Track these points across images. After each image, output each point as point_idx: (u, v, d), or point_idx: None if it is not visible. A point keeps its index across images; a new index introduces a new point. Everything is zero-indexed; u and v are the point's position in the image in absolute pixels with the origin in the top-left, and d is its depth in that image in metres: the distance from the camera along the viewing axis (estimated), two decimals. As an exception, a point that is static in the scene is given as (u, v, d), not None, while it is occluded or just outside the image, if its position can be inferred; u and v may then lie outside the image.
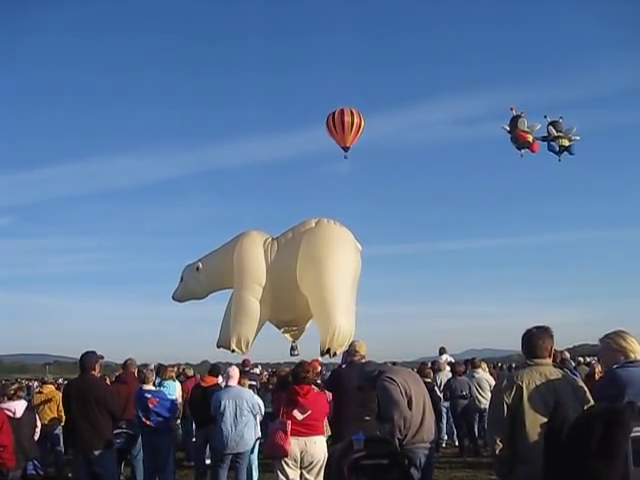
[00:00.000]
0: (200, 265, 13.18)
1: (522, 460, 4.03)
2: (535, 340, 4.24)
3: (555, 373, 4.17)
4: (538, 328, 4.32)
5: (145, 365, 10.75)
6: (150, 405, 8.19)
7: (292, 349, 13.51)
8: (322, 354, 11.72)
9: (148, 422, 8.27)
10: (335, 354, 11.53)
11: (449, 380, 12.61)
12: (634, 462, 3.13)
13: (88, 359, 7.38)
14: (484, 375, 12.74)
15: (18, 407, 7.23)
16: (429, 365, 14.88)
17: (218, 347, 12.96)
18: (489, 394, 12.50)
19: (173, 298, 13.63)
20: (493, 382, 12.93)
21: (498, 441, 4.11)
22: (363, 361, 6.62)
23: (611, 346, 4.20)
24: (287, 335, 13.58)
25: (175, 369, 12.66)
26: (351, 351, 7.08)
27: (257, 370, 17.20)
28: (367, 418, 6.17)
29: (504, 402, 4.11)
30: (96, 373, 7.47)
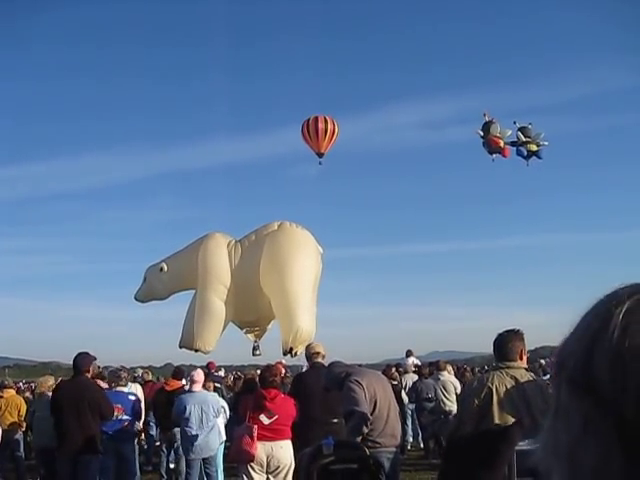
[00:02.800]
0: (164, 266, 13.14)
1: None
2: (505, 343, 4.25)
3: (526, 376, 4.17)
4: (509, 331, 4.32)
5: (108, 367, 10.59)
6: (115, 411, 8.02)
7: (254, 349, 13.63)
8: (284, 353, 11.96)
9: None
10: (296, 354, 11.77)
11: (415, 382, 12.64)
12: (518, 474, 3.25)
13: (82, 360, 7.31)
14: (449, 378, 12.78)
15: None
16: (394, 367, 14.97)
17: (180, 347, 12.95)
18: (454, 397, 12.59)
19: (135, 298, 13.58)
20: (458, 385, 13.02)
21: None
22: (325, 362, 6.57)
23: None
24: (249, 335, 13.66)
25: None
26: (311, 353, 7.01)
27: (221, 373, 17.10)
28: (334, 421, 6.11)
29: (473, 403, 4.11)
30: (89, 375, 7.41)
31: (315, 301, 12.40)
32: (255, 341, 13.68)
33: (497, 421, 4.01)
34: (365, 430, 5.09)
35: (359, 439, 5.02)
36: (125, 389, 8.56)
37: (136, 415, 8.39)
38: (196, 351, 12.58)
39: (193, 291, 13.17)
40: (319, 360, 6.66)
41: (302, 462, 4.49)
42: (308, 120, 18.61)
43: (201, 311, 12.43)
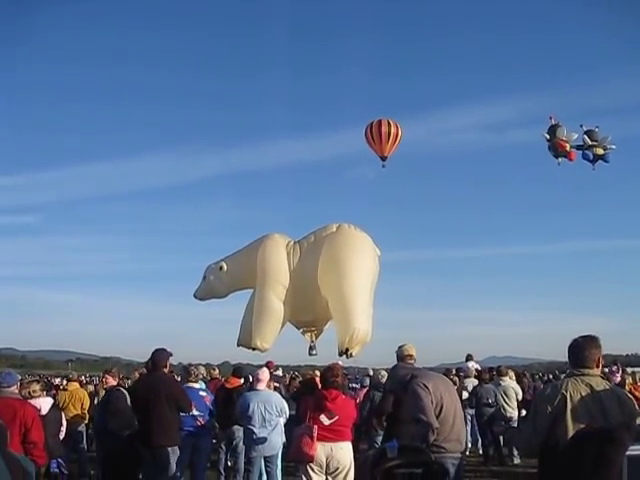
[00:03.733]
0: (224, 265, 13.26)
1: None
2: (582, 350, 4.08)
3: (602, 384, 4.00)
4: (585, 337, 4.14)
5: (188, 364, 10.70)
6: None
7: (311, 349, 13.57)
8: (340, 354, 11.80)
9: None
10: (351, 355, 11.69)
11: (475, 387, 12.44)
12: None
13: (159, 356, 7.52)
14: (510, 383, 12.54)
15: (44, 404, 7.15)
16: (453, 371, 14.74)
17: (238, 346, 13.02)
18: (515, 403, 12.36)
19: (195, 296, 13.70)
20: (520, 391, 12.77)
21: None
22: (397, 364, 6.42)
23: None
24: (306, 335, 13.68)
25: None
26: (403, 355, 6.76)
27: (279, 372, 17.14)
28: None
29: (546, 411, 3.95)
30: (166, 370, 7.63)
31: (372, 303, 12.33)
32: (312, 341, 13.70)
33: (571, 430, 3.85)
34: (431, 439, 4.97)
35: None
36: (196, 385, 8.63)
37: (208, 411, 8.45)
38: (253, 349, 12.62)
39: (251, 290, 13.27)
40: (411, 362, 6.47)
41: (365, 464, 4.42)
42: (372, 123, 18.80)
43: (259, 310, 12.49)
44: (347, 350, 11.53)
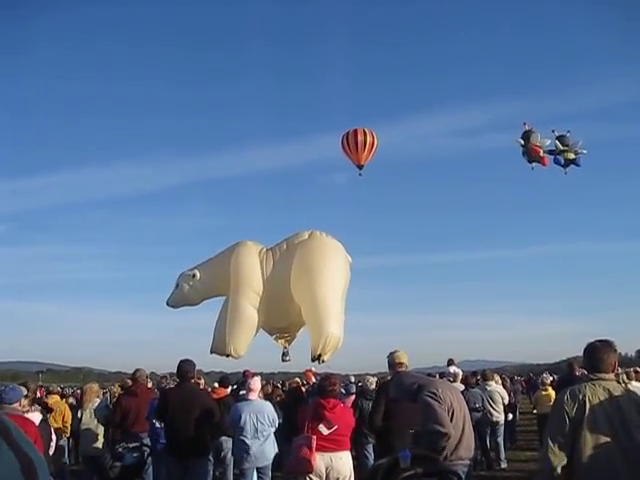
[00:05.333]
0: (197, 272, 13.24)
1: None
2: (600, 354, 4.04)
3: (619, 389, 3.96)
4: (602, 342, 4.11)
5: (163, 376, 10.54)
6: None
7: (284, 355, 13.70)
8: (313, 360, 11.93)
9: None
10: (324, 361, 11.80)
11: (461, 392, 12.39)
12: None
13: (188, 367, 7.47)
14: (496, 388, 12.58)
15: (33, 419, 6.94)
16: (437, 377, 14.71)
17: (212, 353, 13.01)
18: (501, 407, 12.38)
19: (167, 304, 13.68)
20: (505, 395, 12.79)
21: (557, 466, 3.87)
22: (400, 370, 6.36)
23: None
24: (280, 341, 13.71)
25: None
26: (395, 362, 6.75)
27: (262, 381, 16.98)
28: (411, 431, 5.90)
29: (566, 417, 3.89)
30: (194, 381, 7.76)
31: (344, 309, 12.49)
32: (284, 347, 13.73)
33: (589, 437, 3.79)
34: (447, 450, 4.90)
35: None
36: None
37: None
38: (227, 356, 12.62)
39: (223, 298, 13.25)
40: (402, 370, 6.42)
41: (377, 473, 4.31)
42: (348, 133, 19.14)
43: (233, 317, 12.53)
44: (320, 356, 11.62)
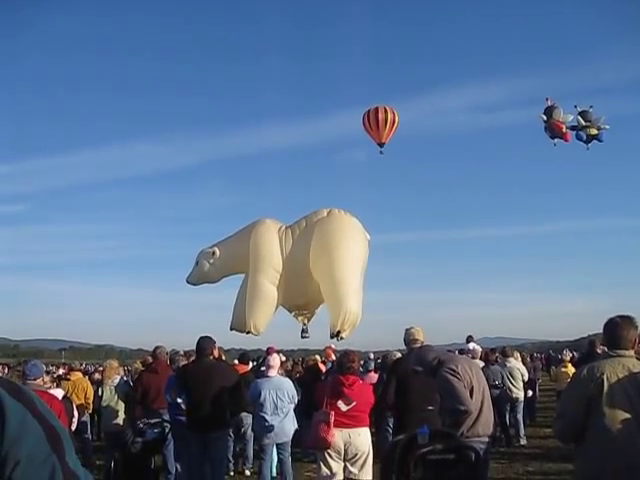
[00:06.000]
0: (216, 250, 13.28)
1: (595, 456, 3.80)
2: (619, 330, 3.97)
3: (638, 366, 3.90)
4: (623, 317, 4.03)
5: (176, 352, 10.60)
6: None
7: (303, 331, 13.80)
8: (332, 336, 12.04)
9: None
10: (342, 337, 11.92)
11: (481, 369, 12.39)
12: None
13: (206, 344, 7.49)
14: (516, 364, 12.54)
15: (56, 395, 7.04)
16: (456, 353, 14.68)
17: (231, 330, 13.12)
18: (521, 384, 12.36)
19: (187, 281, 13.75)
20: (525, 372, 12.75)
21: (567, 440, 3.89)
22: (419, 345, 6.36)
23: None
24: (299, 318, 13.79)
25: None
26: (410, 339, 6.76)
27: (282, 358, 17.07)
28: (430, 408, 5.90)
29: (583, 394, 3.86)
30: (213, 357, 7.68)
31: (362, 286, 12.56)
32: (304, 324, 13.80)
33: (607, 413, 3.77)
34: (464, 426, 4.90)
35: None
36: None
37: None
38: (247, 333, 12.71)
39: (243, 275, 13.30)
40: (417, 346, 6.43)
41: (396, 451, 4.32)
42: (369, 111, 19.09)
43: (252, 294, 12.59)
44: (339, 332, 11.68)
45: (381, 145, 19.34)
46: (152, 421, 7.40)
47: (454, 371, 5.07)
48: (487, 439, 5.13)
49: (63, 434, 1.31)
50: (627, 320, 4.03)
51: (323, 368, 12.62)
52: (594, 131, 16.40)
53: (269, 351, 14.04)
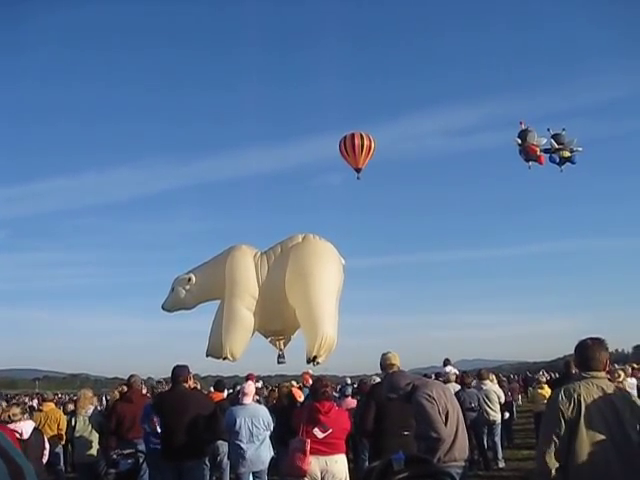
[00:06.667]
0: (192, 276, 13.25)
1: None
2: (591, 352, 3.99)
3: (611, 387, 3.92)
4: (594, 339, 4.06)
5: (159, 381, 10.49)
6: None
7: (279, 357, 13.77)
8: (308, 361, 12.06)
9: None
10: (319, 362, 11.93)
11: (457, 392, 12.37)
12: None
13: (181, 371, 7.49)
14: (492, 387, 12.54)
15: (25, 428, 6.88)
16: (432, 377, 14.68)
17: (207, 356, 13.04)
18: (497, 406, 12.35)
19: (163, 308, 13.72)
20: (502, 394, 12.77)
21: (553, 467, 3.83)
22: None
23: None
24: (275, 344, 13.74)
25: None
26: (386, 364, 6.74)
27: (259, 384, 16.99)
28: (405, 433, 5.87)
29: (562, 417, 3.84)
30: (187, 385, 7.63)
31: (337, 311, 12.61)
32: (280, 349, 13.77)
33: (586, 437, 3.76)
34: (440, 452, 4.87)
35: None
36: None
37: None
38: (224, 359, 12.66)
39: (218, 301, 13.27)
40: (394, 371, 6.40)
41: (371, 477, 4.27)
42: (345, 137, 19.50)
43: (229, 319, 12.59)
44: (315, 357, 11.67)
45: (358, 170, 19.68)
46: (125, 451, 7.30)
47: (429, 396, 5.06)
48: (464, 463, 5.11)
49: (26, 468, 1.28)
50: (597, 342, 4.05)
51: (299, 393, 12.54)
52: (567, 153, 16.69)
53: (249, 377, 14.03)
